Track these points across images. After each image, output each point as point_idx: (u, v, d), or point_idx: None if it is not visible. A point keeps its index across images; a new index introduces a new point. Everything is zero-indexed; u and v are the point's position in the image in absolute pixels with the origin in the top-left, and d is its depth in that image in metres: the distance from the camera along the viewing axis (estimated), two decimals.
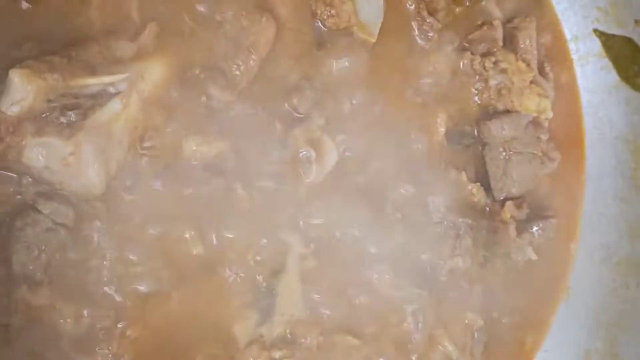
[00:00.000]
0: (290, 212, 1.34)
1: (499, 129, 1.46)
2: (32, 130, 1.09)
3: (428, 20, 1.43)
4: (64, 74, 1.11)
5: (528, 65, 1.49)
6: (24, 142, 1.09)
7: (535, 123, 1.50)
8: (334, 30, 1.37)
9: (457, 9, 1.47)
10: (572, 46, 1.61)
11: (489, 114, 1.49)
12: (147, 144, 1.23)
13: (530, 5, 1.55)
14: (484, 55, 1.48)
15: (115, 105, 1.15)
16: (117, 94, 1.15)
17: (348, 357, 1.34)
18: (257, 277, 1.31)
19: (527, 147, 1.48)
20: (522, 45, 1.50)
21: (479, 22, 1.49)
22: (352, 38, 1.38)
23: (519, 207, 1.49)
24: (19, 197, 1.17)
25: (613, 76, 1.59)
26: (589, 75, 1.61)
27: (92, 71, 1.15)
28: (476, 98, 1.49)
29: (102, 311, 1.21)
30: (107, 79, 1.15)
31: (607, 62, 1.59)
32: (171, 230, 1.25)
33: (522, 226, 1.49)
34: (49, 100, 1.11)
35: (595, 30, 1.59)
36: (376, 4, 1.38)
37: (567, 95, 1.60)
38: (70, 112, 1.11)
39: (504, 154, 1.47)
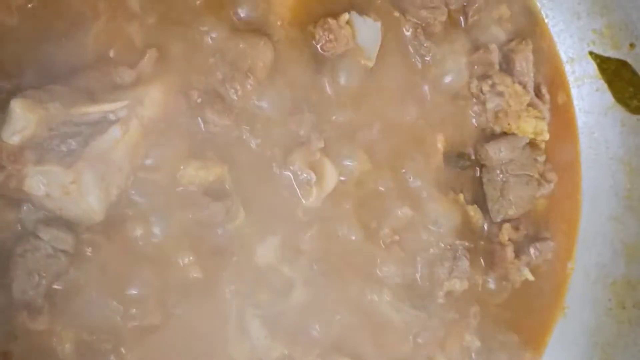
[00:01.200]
0: (290, 234, 1.34)
1: (496, 152, 1.46)
2: (33, 159, 1.09)
3: (425, 45, 1.44)
4: (64, 102, 1.12)
5: (524, 87, 1.50)
6: (25, 171, 1.10)
7: (532, 145, 1.51)
8: (332, 55, 1.38)
9: (454, 34, 1.48)
10: (568, 68, 1.62)
11: (487, 136, 1.50)
12: (146, 169, 1.23)
13: (526, 28, 1.56)
14: (481, 78, 1.48)
15: (115, 132, 1.15)
16: (117, 121, 1.16)
17: None
18: (256, 299, 1.31)
19: (524, 169, 1.49)
20: (518, 68, 1.50)
21: (476, 46, 1.49)
22: (350, 62, 1.38)
23: (516, 229, 1.50)
24: (20, 223, 1.18)
25: (608, 98, 1.59)
26: (584, 97, 1.62)
27: (92, 99, 1.15)
28: (474, 120, 1.49)
29: (101, 336, 1.21)
30: (107, 106, 1.15)
31: (602, 84, 1.60)
32: (170, 255, 1.26)
33: (520, 248, 1.51)
34: (50, 129, 1.11)
35: (590, 53, 1.60)
36: (374, 29, 1.39)
37: (564, 116, 1.61)
38: (70, 140, 1.12)
39: (501, 176, 1.48)
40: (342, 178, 1.37)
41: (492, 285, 1.49)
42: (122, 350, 1.23)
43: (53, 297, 1.18)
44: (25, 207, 1.17)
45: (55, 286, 1.18)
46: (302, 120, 1.34)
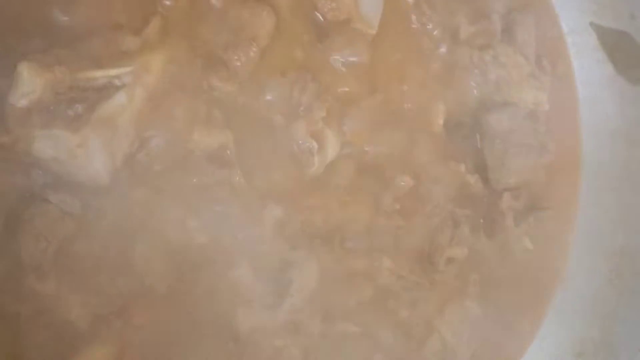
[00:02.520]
0: (292, 202, 1.35)
1: (497, 121, 1.48)
2: (40, 123, 1.10)
3: (427, 13, 1.45)
4: (70, 67, 1.13)
5: (526, 58, 1.51)
6: (32, 134, 1.11)
7: (532, 115, 1.52)
8: (334, 23, 1.38)
9: (456, 3, 1.49)
10: (569, 39, 1.63)
11: (488, 106, 1.50)
12: (151, 135, 1.24)
13: None
14: (483, 48, 1.49)
15: (121, 97, 1.16)
16: (123, 86, 1.17)
17: (349, 344, 1.37)
18: (260, 266, 1.32)
19: (524, 138, 1.50)
20: (519, 39, 1.51)
21: (478, 16, 1.50)
22: (352, 30, 1.39)
23: (516, 197, 1.51)
24: (28, 188, 1.19)
25: (609, 69, 1.60)
26: (585, 68, 1.63)
27: (98, 64, 1.16)
28: (475, 91, 1.50)
29: (108, 300, 1.23)
30: (112, 71, 1.16)
31: (603, 55, 1.61)
32: (176, 220, 1.26)
33: (520, 216, 1.52)
34: (57, 93, 1.12)
35: (591, 24, 1.60)
36: None
37: (564, 87, 1.62)
38: (77, 105, 1.13)
39: (502, 145, 1.48)
40: (343, 147, 1.38)
41: (492, 253, 1.50)
42: (129, 314, 1.24)
43: (60, 260, 1.19)
44: (33, 172, 1.18)
45: (62, 250, 1.19)
46: (304, 89, 1.35)
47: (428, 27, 1.45)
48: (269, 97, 1.34)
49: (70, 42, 1.19)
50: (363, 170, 1.41)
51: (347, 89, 1.40)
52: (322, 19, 1.39)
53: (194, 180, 1.27)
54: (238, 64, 1.30)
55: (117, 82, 1.17)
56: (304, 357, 1.34)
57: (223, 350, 1.30)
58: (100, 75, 1.15)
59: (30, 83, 1.09)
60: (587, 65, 1.63)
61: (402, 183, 1.42)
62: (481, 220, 1.49)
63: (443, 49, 1.48)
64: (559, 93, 1.59)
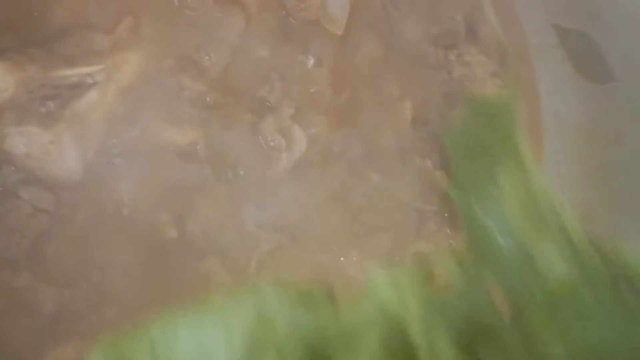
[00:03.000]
0: (261, 199, 1.37)
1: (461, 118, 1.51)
2: (13, 120, 1.13)
3: (393, 14, 1.48)
4: (43, 65, 1.15)
5: (489, 57, 1.54)
6: (5, 131, 1.13)
7: None
8: (303, 23, 1.41)
9: (421, 3, 1.52)
10: (531, 39, 1.66)
11: (452, 103, 1.53)
12: (123, 132, 1.26)
13: None
14: (448, 47, 1.53)
15: (92, 95, 1.18)
16: (95, 84, 1.19)
17: None
18: (230, 260, 1.34)
19: None
20: (483, 39, 1.55)
21: (442, 16, 1.53)
22: (320, 30, 1.42)
23: None
24: (1, 184, 1.20)
25: (569, 68, 1.64)
26: (546, 67, 1.66)
27: (70, 63, 1.18)
28: (440, 88, 1.53)
29: (82, 294, 1.24)
30: (84, 70, 1.18)
31: (564, 54, 1.64)
32: (146, 215, 1.28)
33: None
34: (30, 91, 1.14)
35: (553, 25, 1.64)
36: None
37: (526, 86, 1.65)
38: (50, 102, 1.15)
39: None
40: (311, 144, 1.40)
41: (457, 247, 1.53)
42: (103, 307, 1.25)
43: (35, 255, 1.21)
44: (6, 168, 1.19)
45: (36, 244, 1.21)
46: (273, 88, 1.38)
47: (394, 27, 1.48)
48: (238, 95, 1.36)
49: (43, 41, 1.21)
50: (330, 166, 1.43)
51: (315, 87, 1.42)
52: (291, 20, 1.41)
53: (165, 175, 1.29)
54: (209, 63, 1.33)
55: (89, 80, 1.19)
56: None
57: None
58: (72, 73, 1.17)
59: (3, 81, 1.11)
60: (549, 64, 1.66)
61: (369, 179, 1.45)
62: (446, 215, 1.52)
63: (409, 49, 1.51)
64: (522, 91, 1.63)
